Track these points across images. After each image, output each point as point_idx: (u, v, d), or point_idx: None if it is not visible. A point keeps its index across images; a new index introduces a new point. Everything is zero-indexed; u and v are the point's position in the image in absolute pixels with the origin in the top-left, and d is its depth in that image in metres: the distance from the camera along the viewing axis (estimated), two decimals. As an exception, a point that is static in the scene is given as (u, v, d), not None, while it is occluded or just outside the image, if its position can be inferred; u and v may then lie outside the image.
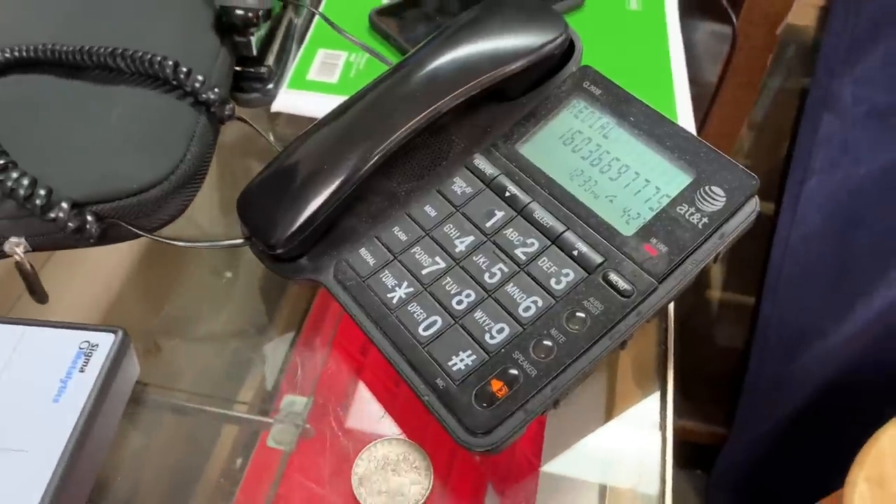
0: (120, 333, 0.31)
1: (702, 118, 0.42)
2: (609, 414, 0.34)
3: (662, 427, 0.33)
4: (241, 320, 0.40)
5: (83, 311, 0.40)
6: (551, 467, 0.32)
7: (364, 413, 0.34)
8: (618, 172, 0.33)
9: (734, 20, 0.59)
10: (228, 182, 0.46)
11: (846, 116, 0.68)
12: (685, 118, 0.43)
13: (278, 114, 0.45)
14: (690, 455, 0.93)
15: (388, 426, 0.33)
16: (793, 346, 0.73)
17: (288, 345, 0.37)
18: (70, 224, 0.31)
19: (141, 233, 0.34)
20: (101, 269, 0.42)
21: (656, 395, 0.35)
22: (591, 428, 0.34)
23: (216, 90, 0.36)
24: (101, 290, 0.41)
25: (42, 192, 0.31)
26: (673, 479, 0.31)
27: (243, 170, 0.48)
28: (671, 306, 0.35)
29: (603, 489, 0.32)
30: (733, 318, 0.96)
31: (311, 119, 0.36)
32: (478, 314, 0.30)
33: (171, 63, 0.35)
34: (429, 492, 0.31)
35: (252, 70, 0.44)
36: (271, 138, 0.41)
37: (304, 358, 0.36)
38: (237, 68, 0.43)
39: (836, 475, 0.61)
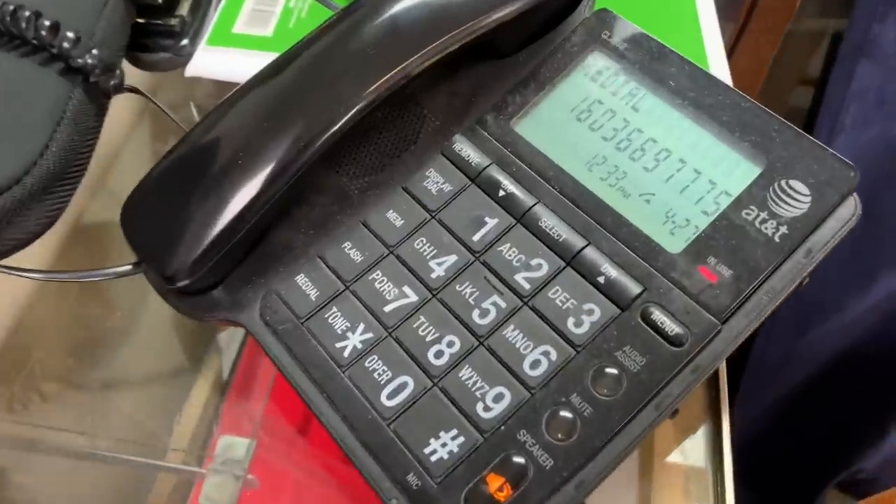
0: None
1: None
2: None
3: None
4: (164, 345, 0.35)
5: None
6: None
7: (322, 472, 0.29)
8: (655, 160, 0.26)
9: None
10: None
11: (886, 63, 0.63)
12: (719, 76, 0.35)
13: (199, 80, 0.38)
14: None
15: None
16: (805, 319, 0.70)
17: (226, 372, 0.33)
18: None
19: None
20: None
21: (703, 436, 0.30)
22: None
23: (95, 51, 0.29)
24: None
25: None
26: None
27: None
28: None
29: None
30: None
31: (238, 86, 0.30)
32: (465, 373, 0.23)
33: (27, 14, 0.27)
34: None
35: (159, 22, 0.37)
36: (194, 113, 0.36)
37: (244, 390, 0.32)
38: (139, 20, 0.36)
39: (841, 454, 0.63)
